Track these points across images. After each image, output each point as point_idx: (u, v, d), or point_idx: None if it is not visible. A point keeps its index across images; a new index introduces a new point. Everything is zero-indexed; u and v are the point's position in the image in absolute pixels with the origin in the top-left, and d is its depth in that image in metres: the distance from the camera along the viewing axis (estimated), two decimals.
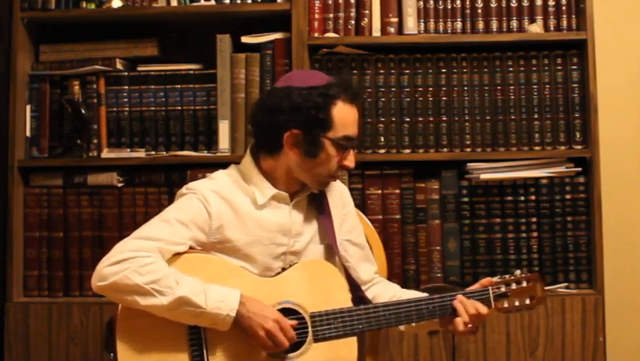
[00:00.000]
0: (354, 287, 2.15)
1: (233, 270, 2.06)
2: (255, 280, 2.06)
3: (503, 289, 2.15)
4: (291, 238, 2.14)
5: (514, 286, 2.16)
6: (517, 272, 2.18)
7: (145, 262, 1.93)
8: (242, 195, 2.13)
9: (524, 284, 2.17)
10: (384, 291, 2.27)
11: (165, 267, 1.96)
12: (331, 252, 2.19)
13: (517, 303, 2.16)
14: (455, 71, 2.91)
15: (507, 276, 2.18)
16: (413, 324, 2.16)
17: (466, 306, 2.09)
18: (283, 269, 2.12)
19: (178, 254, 2.02)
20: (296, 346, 2.02)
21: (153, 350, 1.96)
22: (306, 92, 2.07)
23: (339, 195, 2.29)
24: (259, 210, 2.12)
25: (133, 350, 1.95)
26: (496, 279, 2.17)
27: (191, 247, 2.05)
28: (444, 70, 2.92)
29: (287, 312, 2.02)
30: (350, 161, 2.12)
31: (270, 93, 2.18)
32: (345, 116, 2.09)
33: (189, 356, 1.97)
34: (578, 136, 2.88)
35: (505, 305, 2.15)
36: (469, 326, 2.08)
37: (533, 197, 2.89)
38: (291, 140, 2.08)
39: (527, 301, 2.16)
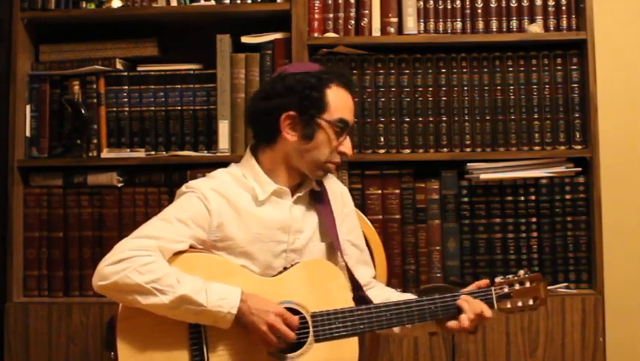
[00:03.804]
0: (356, 286, 2.15)
1: (234, 269, 2.06)
2: (255, 279, 2.06)
3: (506, 289, 2.15)
4: (291, 235, 2.15)
5: (517, 286, 2.16)
6: (521, 272, 2.17)
7: (145, 261, 1.93)
8: (242, 192, 2.13)
9: (527, 285, 2.16)
10: (379, 294, 2.26)
11: (166, 266, 1.96)
12: (332, 251, 2.19)
13: (520, 304, 2.15)
14: (455, 71, 2.91)
15: (510, 276, 2.17)
16: (409, 326, 2.16)
17: (471, 304, 2.08)
18: (285, 268, 2.12)
19: (178, 253, 2.02)
20: (297, 346, 2.02)
21: (154, 349, 1.96)
22: (300, 75, 2.12)
23: (339, 195, 2.29)
24: (259, 207, 2.13)
25: (133, 349, 1.95)
26: (499, 279, 2.16)
27: (191, 246, 2.05)
28: (444, 70, 2.92)
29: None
30: (346, 147, 2.14)
31: (266, 82, 2.24)
32: (339, 100, 2.13)
33: (190, 355, 1.97)
34: (577, 136, 2.88)
35: (508, 306, 2.15)
36: (472, 323, 2.07)
37: (533, 197, 2.89)
38: (288, 122, 2.11)
39: (530, 302, 2.16)
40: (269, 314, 1.96)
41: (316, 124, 2.10)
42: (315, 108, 2.10)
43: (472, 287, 2.16)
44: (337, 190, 2.29)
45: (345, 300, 2.09)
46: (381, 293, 2.27)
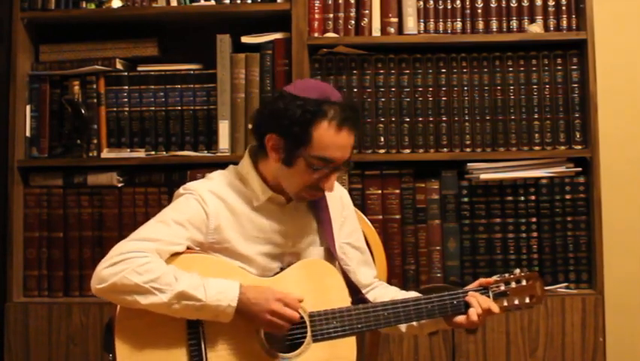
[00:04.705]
0: (354, 290, 2.15)
1: (231, 270, 2.05)
2: (253, 280, 2.06)
3: (503, 287, 2.16)
4: (289, 240, 2.14)
5: (513, 284, 2.16)
6: (517, 271, 2.19)
7: (142, 262, 1.93)
8: (239, 195, 2.12)
9: (524, 283, 2.17)
10: (383, 294, 2.26)
11: (163, 265, 1.96)
12: (331, 255, 2.18)
13: (516, 302, 2.16)
14: (455, 71, 2.91)
15: (506, 275, 2.18)
16: (415, 324, 2.16)
17: (479, 300, 2.10)
18: (282, 269, 2.12)
19: (176, 254, 2.02)
20: (294, 346, 2.02)
21: (152, 349, 1.95)
22: (296, 102, 2.03)
23: (338, 198, 2.28)
24: (256, 212, 2.12)
25: (132, 350, 1.94)
26: (495, 278, 2.17)
27: (188, 248, 2.05)
28: (444, 70, 2.92)
29: None
30: (328, 186, 2.08)
31: (272, 93, 2.20)
32: (326, 138, 2.03)
33: (188, 356, 1.97)
34: (578, 136, 2.88)
35: (505, 304, 2.15)
36: (480, 318, 2.08)
37: (533, 197, 2.89)
38: (271, 143, 2.07)
39: (527, 300, 2.17)
40: (269, 301, 1.96)
41: (295, 154, 2.04)
42: (297, 141, 2.03)
43: (475, 285, 2.17)
44: (336, 193, 2.26)
45: (342, 299, 2.09)
46: (386, 292, 2.27)
